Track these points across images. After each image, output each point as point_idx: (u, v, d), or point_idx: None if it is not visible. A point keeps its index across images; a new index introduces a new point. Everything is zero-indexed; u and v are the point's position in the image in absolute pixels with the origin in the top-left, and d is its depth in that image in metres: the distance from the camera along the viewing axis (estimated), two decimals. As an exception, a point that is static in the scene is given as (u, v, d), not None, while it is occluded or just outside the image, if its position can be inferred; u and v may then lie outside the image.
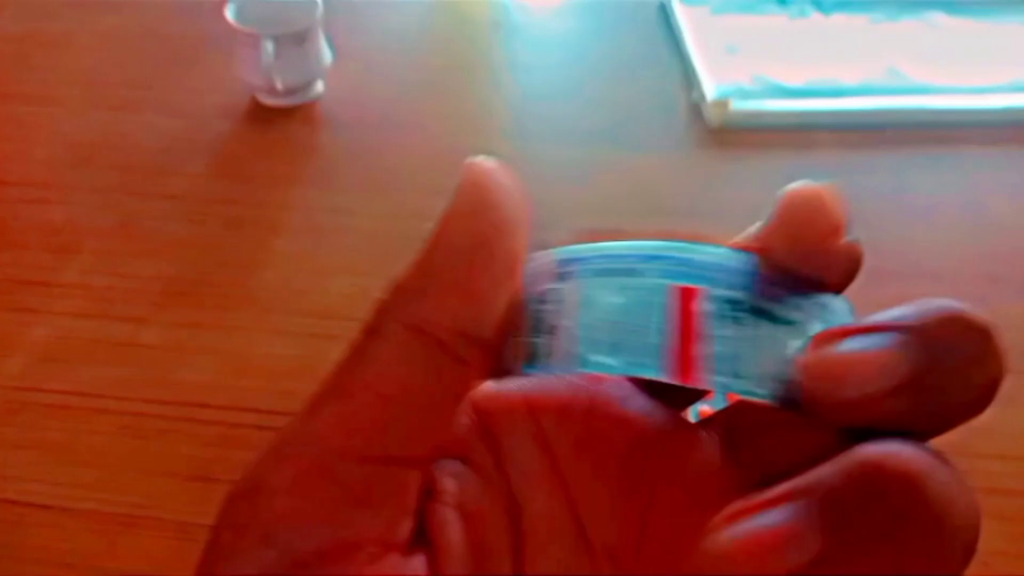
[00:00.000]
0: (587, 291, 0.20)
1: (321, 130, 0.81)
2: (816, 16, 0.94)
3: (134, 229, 0.71)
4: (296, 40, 0.76)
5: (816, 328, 0.19)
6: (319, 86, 0.82)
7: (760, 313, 0.19)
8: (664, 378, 0.19)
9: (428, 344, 0.19)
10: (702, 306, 0.19)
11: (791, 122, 0.81)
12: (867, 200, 0.73)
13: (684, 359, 0.19)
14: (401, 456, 0.19)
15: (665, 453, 0.21)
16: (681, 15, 0.92)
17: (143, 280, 0.67)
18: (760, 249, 0.20)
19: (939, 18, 0.92)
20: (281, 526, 0.18)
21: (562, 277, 0.20)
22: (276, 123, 0.80)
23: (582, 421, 0.21)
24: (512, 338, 0.20)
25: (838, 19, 0.93)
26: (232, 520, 0.19)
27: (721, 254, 0.20)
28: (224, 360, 0.62)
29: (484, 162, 0.20)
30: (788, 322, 0.19)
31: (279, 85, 0.77)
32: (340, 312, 0.65)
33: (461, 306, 0.19)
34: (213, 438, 0.58)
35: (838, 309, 0.19)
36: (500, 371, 0.20)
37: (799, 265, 0.19)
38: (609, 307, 0.20)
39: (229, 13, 0.77)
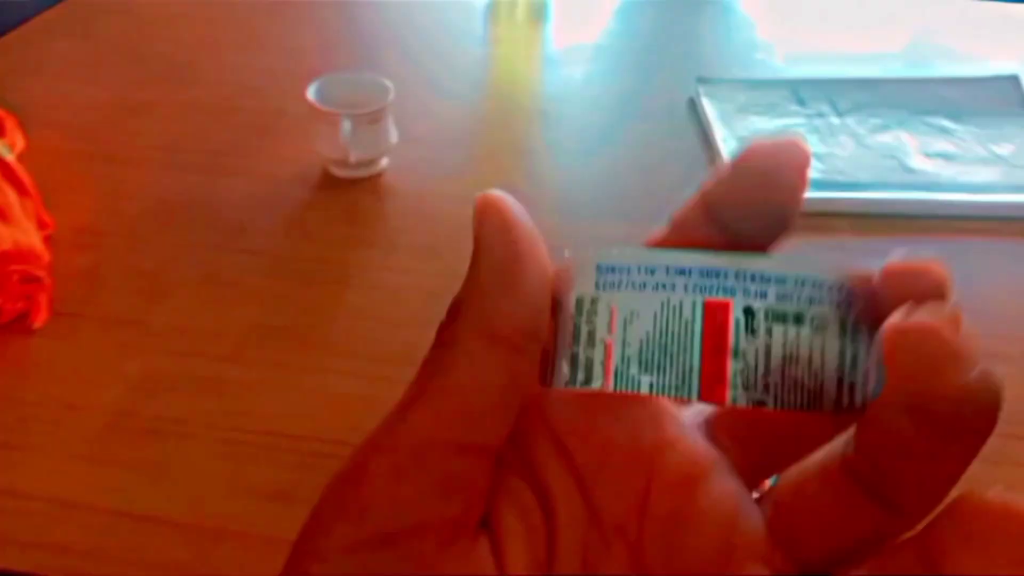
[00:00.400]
0: (629, 306, 0.21)
1: (384, 200, 0.89)
2: (832, 118, 1.03)
3: (218, 279, 0.79)
4: (370, 120, 0.85)
5: (833, 323, 0.20)
6: (384, 161, 0.91)
7: (784, 318, 0.20)
8: (697, 400, 0.21)
9: (499, 346, 0.21)
10: (732, 320, 0.21)
11: (812, 209, 0.89)
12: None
13: (714, 379, 0.20)
14: (481, 445, 0.22)
15: (662, 435, 0.23)
16: (709, 110, 1.02)
17: (227, 324, 0.74)
18: (707, 201, 0.22)
19: (944, 123, 1.01)
20: (376, 506, 0.21)
21: (602, 286, 0.22)
22: (345, 192, 0.89)
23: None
24: (551, 346, 0.22)
25: (850, 121, 1.03)
26: (333, 500, 0.21)
27: (752, 261, 0.21)
28: (301, 396, 0.69)
29: (496, 192, 0.22)
30: (807, 320, 0.20)
31: (352, 159, 0.86)
32: (404, 359, 0.71)
33: (519, 309, 0.21)
34: (292, 464, 0.65)
35: (834, 284, 0.21)
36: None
37: (745, 218, 0.22)
38: (649, 325, 0.21)
39: (311, 94, 0.86)
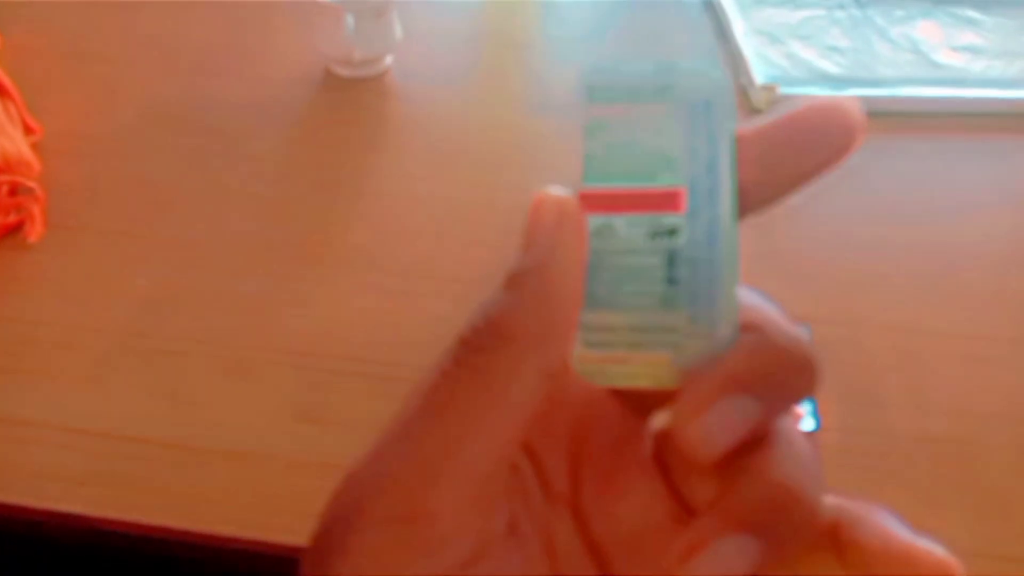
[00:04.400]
0: None
1: (390, 101, 0.84)
2: (853, 9, 0.98)
3: (223, 188, 0.74)
4: (374, 14, 0.80)
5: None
6: (388, 60, 0.85)
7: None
8: None
9: (551, 378, 0.22)
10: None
11: (835, 108, 0.86)
12: (904, 182, 0.78)
13: None
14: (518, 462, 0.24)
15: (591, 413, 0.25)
16: (727, 3, 0.96)
17: (237, 235, 0.70)
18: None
19: (971, 14, 0.97)
20: (449, 543, 0.21)
21: None
22: (348, 93, 0.84)
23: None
24: None
25: (873, 12, 0.98)
26: (390, 547, 0.21)
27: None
28: (317, 312, 0.66)
29: (558, 197, 0.22)
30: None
31: (356, 57, 0.81)
32: (422, 271, 0.69)
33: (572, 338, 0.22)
34: (314, 383, 0.62)
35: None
36: None
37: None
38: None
39: (310, -15, 0.80)
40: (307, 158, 0.77)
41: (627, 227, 0.22)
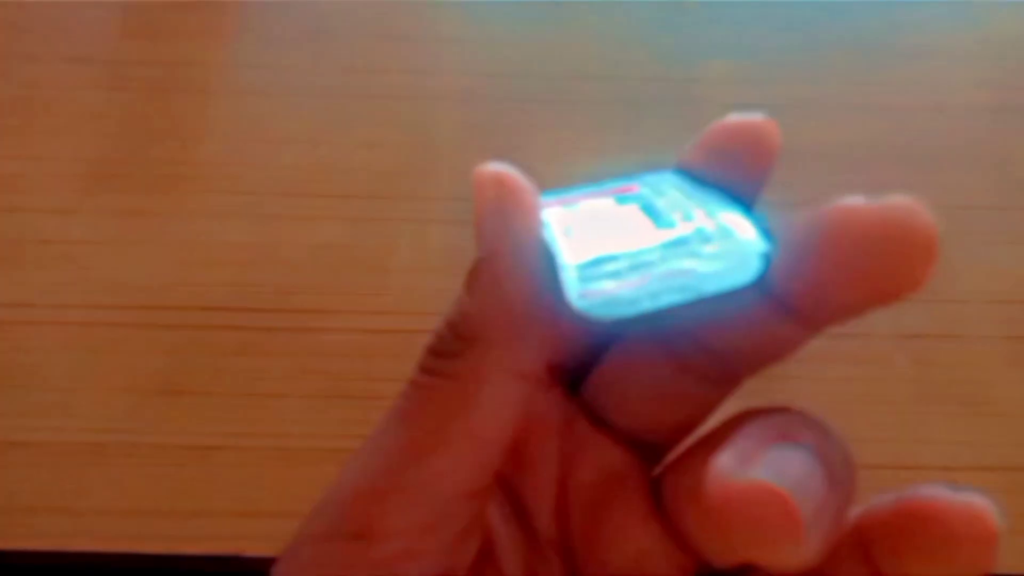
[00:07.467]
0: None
1: (241, -31, 0.69)
2: None
3: (41, 101, 0.60)
4: None
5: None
6: (233, -84, 0.70)
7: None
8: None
9: (528, 385, 0.20)
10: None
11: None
12: (862, 34, 0.68)
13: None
14: (491, 485, 0.21)
15: (576, 447, 0.23)
16: None
17: (61, 162, 0.57)
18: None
19: None
20: (397, 566, 0.20)
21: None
22: (188, -36, 0.69)
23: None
24: None
25: None
26: (334, 564, 0.20)
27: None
28: (174, 252, 0.54)
29: (504, 175, 0.20)
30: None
31: (189, -82, 0.65)
32: (299, 188, 0.57)
33: (551, 342, 0.20)
34: (176, 344, 0.51)
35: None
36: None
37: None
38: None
39: None
40: (141, 54, 0.63)
41: (592, 203, 0.21)
